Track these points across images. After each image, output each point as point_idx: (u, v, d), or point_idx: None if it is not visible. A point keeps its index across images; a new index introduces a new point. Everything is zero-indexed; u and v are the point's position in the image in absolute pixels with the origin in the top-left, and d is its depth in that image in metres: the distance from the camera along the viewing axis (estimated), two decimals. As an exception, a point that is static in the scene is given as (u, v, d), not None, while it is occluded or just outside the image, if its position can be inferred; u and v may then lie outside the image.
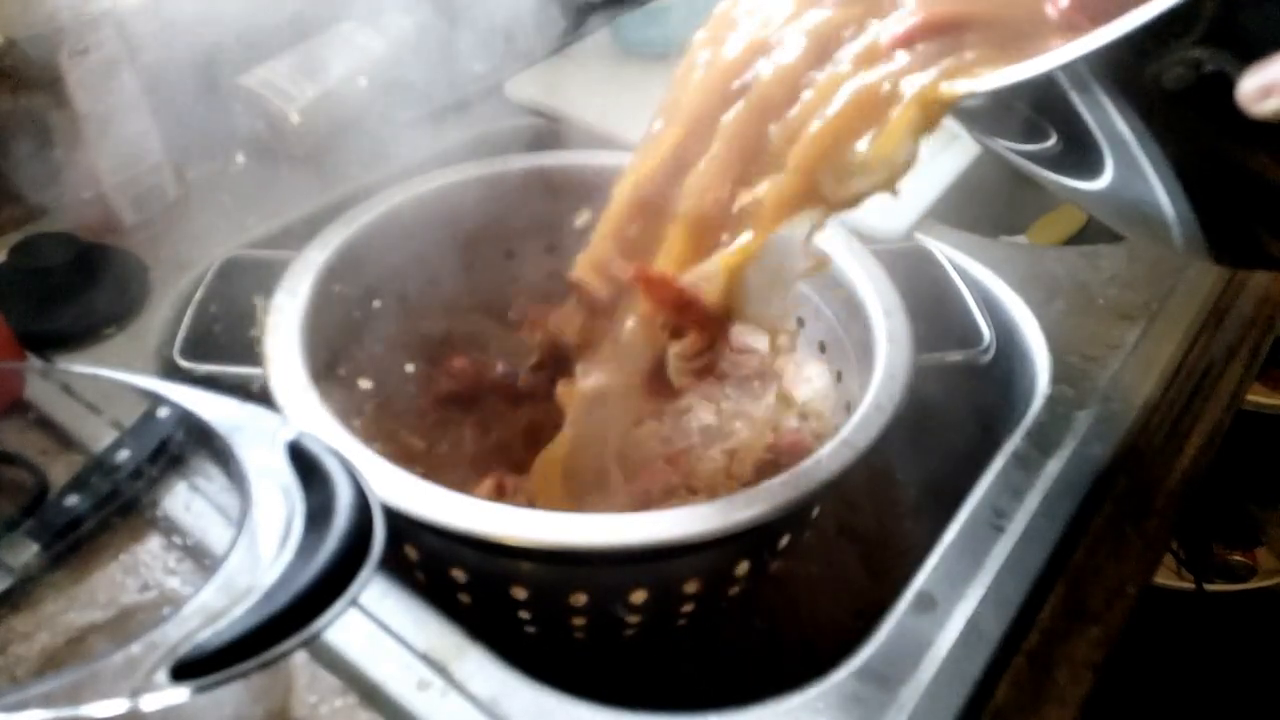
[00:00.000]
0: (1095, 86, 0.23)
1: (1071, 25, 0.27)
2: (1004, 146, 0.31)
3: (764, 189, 0.34)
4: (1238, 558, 1.16)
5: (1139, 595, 0.42)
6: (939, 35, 0.30)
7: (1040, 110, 0.26)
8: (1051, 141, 0.27)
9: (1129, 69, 0.22)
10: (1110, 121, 0.24)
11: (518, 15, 0.74)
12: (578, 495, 0.44)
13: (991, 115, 0.30)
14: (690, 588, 0.41)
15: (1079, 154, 0.26)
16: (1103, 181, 0.27)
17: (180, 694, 0.21)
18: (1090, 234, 0.76)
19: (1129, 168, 0.25)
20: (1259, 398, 1.11)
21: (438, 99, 0.71)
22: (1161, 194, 0.26)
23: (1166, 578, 1.09)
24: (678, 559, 0.39)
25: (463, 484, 0.48)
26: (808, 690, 0.35)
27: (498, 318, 0.60)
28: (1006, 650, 0.38)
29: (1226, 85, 0.21)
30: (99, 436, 0.41)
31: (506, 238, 0.58)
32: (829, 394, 0.53)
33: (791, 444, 0.50)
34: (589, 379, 0.42)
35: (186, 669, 0.21)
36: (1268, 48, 0.21)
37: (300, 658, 0.35)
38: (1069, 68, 0.23)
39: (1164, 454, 0.49)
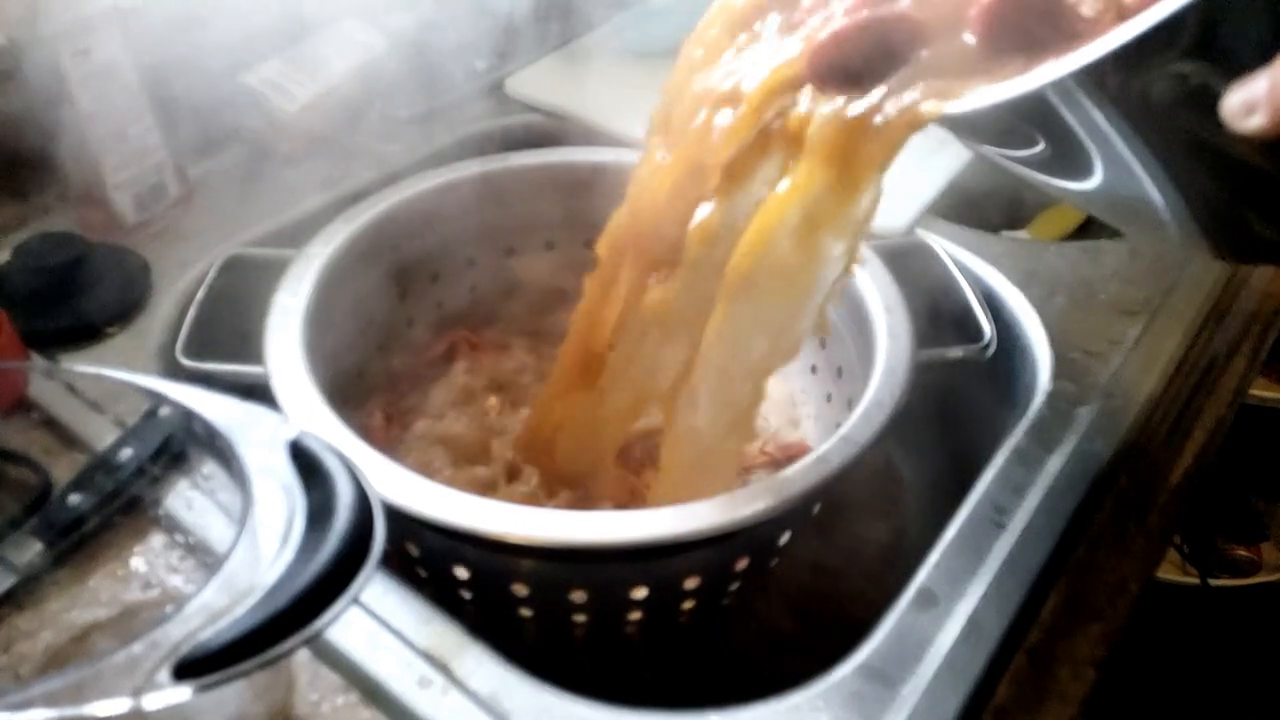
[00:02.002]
0: (1082, 98, 0.23)
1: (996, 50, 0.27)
2: (991, 152, 0.31)
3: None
4: (1242, 552, 1.16)
5: (1142, 591, 0.42)
6: (859, 44, 0.30)
7: (1026, 119, 0.26)
8: (1039, 147, 0.27)
9: (1115, 83, 0.23)
10: (1098, 129, 0.24)
11: (518, 12, 0.74)
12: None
13: (976, 124, 0.30)
14: (691, 584, 0.41)
15: (1068, 158, 0.26)
16: (1093, 182, 0.27)
17: (182, 693, 0.21)
18: (1092, 229, 0.76)
19: (1119, 169, 0.25)
20: (1263, 392, 1.11)
21: (438, 97, 0.71)
22: (1153, 191, 0.26)
23: (1171, 573, 1.09)
24: (678, 556, 0.39)
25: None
26: (809, 688, 0.36)
27: (497, 315, 0.60)
28: (1008, 647, 0.38)
29: (1212, 96, 0.21)
30: (102, 435, 0.41)
31: (507, 235, 0.59)
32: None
33: (790, 448, 0.50)
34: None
35: (188, 668, 0.21)
36: (1250, 62, 0.21)
37: (302, 656, 0.35)
38: (1056, 84, 0.23)
39: (1166, 450, 0.49)
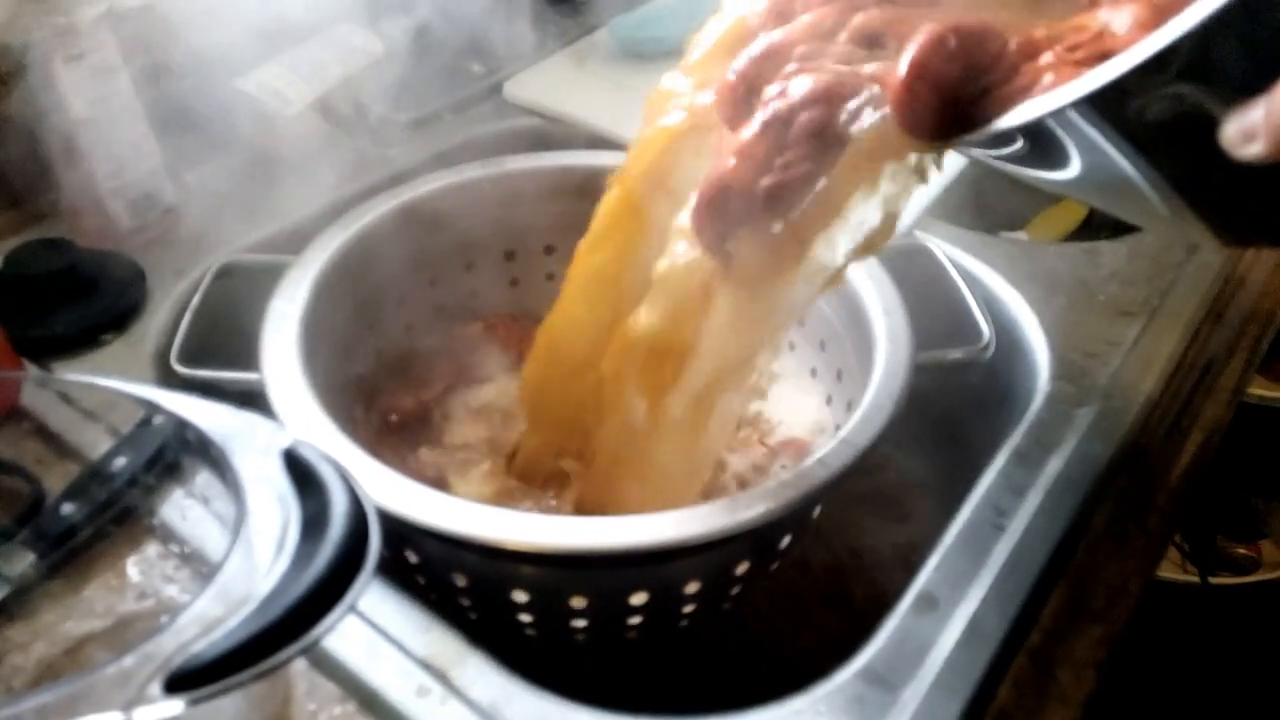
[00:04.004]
0: (1076, 118, 0.23)
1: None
2: (975, 153, 0.31)
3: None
4: (1242, 551, 1.16)
5: (1143, 590, 0.42)
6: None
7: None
8: (1018, 145, 0.27)
9: (1112, 105, 0.23)
10: (1088, 138, 0.24)
11: (515, 16, 0.74)
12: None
13: None
14: (691, 589, 0.41)
15: (1049, 154, 0.26)
16: (1072, 172, 0.27)
17: (174, 706, 0.21)
18: (1090, 230, 0.76)
19: (1103, 159, 0.25)
20: (1262, 390, 1.11)
21: (435, 101, 0.71)
22: (1149, 189, 0.26)
23: (1171, 571, 1.09)
24: (678, 560, 0.39)
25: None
26: (810, 692, 0.35)
27: (498, 318, 0.60)
28: (1009, 650, 0.38)
29: (1208, 114, 0.22)
30: (96, 444, 0.41)
31: (506, 239, 0.58)
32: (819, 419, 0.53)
33: (789, 444, 0.50)
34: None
35: (181, 681, 0.21)
36: (1245, 83, 0.21)
37: (299, 665, 0.35)
38: (1054, 112, 0.23)
39: (1165, 451, 0.49)
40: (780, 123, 0.30)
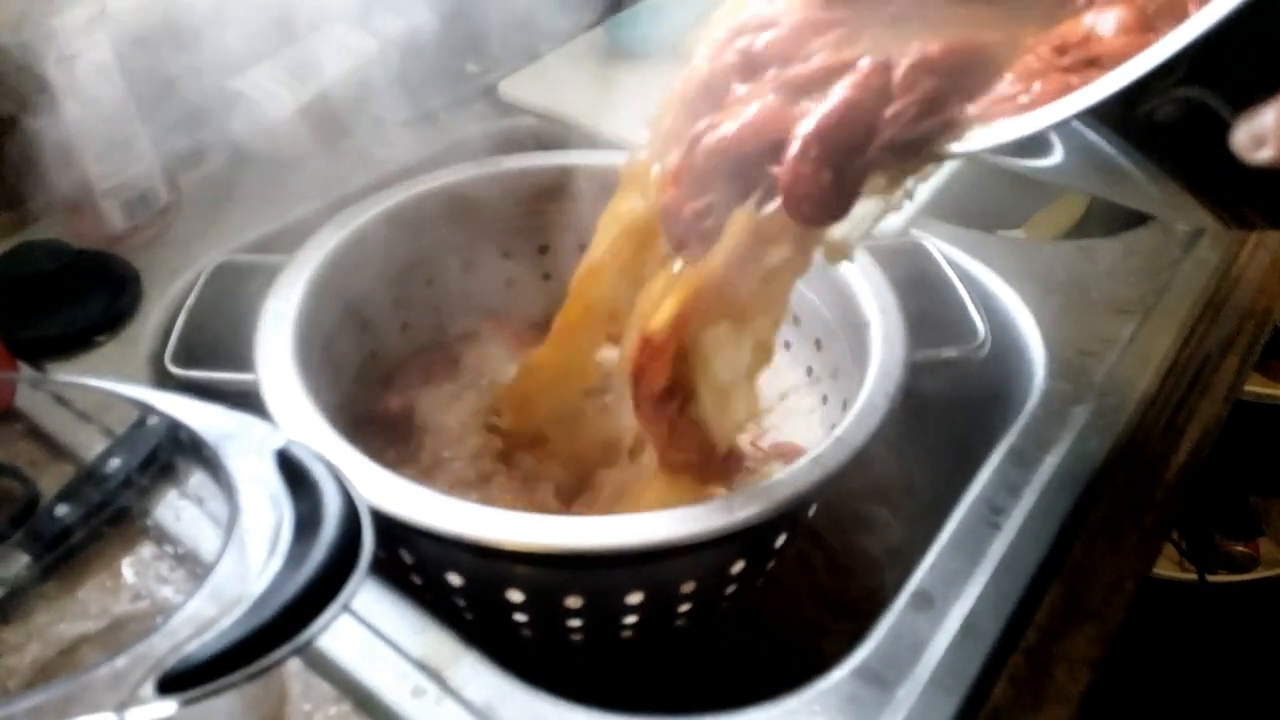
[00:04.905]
0: (1077, 124, 0.23)
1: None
2: None
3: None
4: (1239, 548, 1.16)
5: (1140, 588, 0.42)
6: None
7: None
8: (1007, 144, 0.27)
9: (1118, 112, 0.23)
10: (1086, 139, 0.24)
11: (511, 15, 0.74)
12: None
13: None
14: (686, 588, 0.41)
15: (1043, 150, 0.26)
16: (1064, 162, 0.27)
17: (167, 707, 0.21)
18: (1086, 228, 0.76)
19: (1102, 155, 0.25)
20: (1259, 388, 1.11)
21: (431, 100, 0.71)
22: (1141, 177, 0.26)
23: (1169, 569, 1.09)
24: (674, 560, 0.39)
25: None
26: (805, 691, 0.35)
27: (493, 319, 0.60)
28: (1004, 648, 0.38)
29: (1212, 113, 0.22)
30: (90, 445, 0.41)
31: (502, 238, 0.58)
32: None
33: (782, 446, 0.50)
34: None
35: (174, 681, 0.21)
36: (1253, 87, 0.21)
37: (294, 665, 0.35)
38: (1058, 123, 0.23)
39: (1161, 448, 0.49)
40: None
